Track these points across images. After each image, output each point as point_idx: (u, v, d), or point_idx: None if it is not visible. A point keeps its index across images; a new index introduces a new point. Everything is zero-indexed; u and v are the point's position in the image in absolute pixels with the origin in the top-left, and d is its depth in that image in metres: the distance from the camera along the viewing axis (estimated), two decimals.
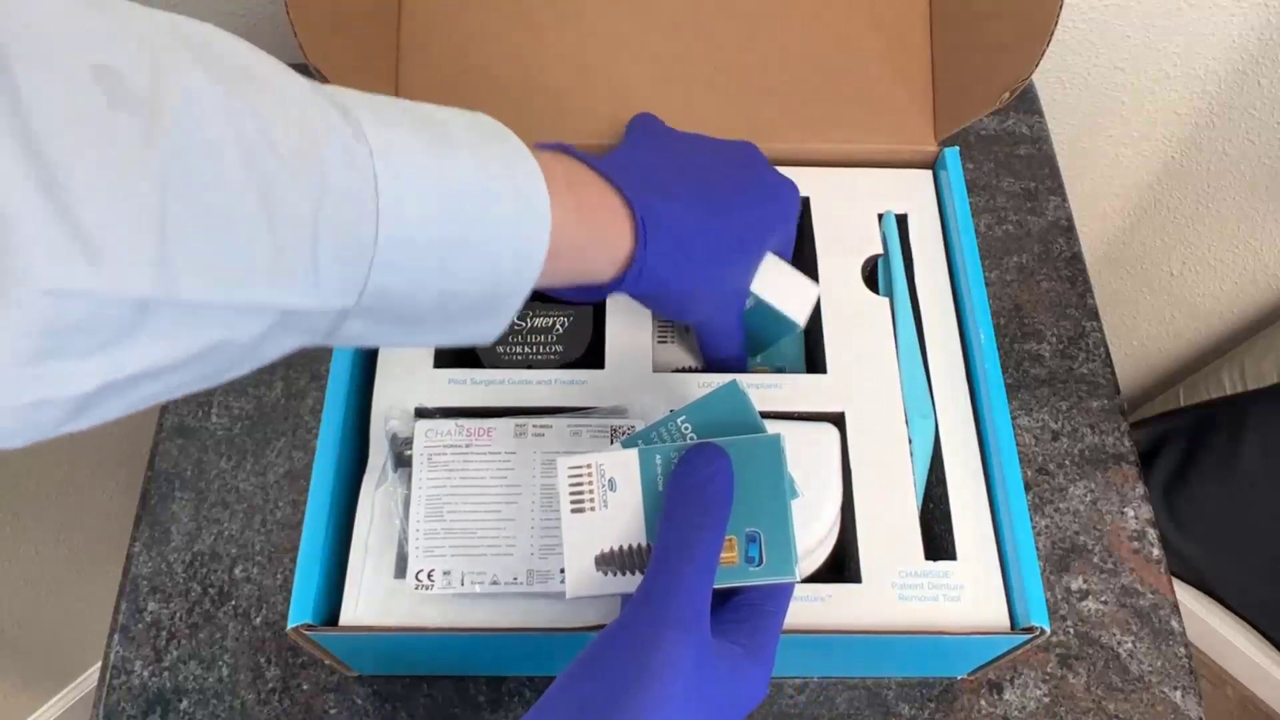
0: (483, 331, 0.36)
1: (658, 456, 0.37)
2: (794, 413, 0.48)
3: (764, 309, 0.48)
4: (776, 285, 0.47)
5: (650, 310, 0.48)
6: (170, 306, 0.24)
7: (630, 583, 0.37)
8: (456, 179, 0.31)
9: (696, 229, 0.41)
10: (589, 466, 0.38)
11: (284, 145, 0.26)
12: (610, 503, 0.37)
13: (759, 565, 0.36)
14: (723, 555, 0.35)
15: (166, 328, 0.24)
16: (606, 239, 0.39)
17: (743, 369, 0.50)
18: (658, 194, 0.40)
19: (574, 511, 0.38)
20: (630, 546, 0.37)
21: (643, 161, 0.43)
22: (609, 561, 0.37)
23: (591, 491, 0.38)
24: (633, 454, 0.37)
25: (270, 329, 0.27)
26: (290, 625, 0.41)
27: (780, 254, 0.48)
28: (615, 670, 0.31)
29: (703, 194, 0.42)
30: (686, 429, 0.38)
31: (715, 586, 0.34)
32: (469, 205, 0.31)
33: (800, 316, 0.48)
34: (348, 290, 0.28)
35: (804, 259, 0.55)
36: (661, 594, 0.33)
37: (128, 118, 0.22)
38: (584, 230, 0.37)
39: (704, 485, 0.36)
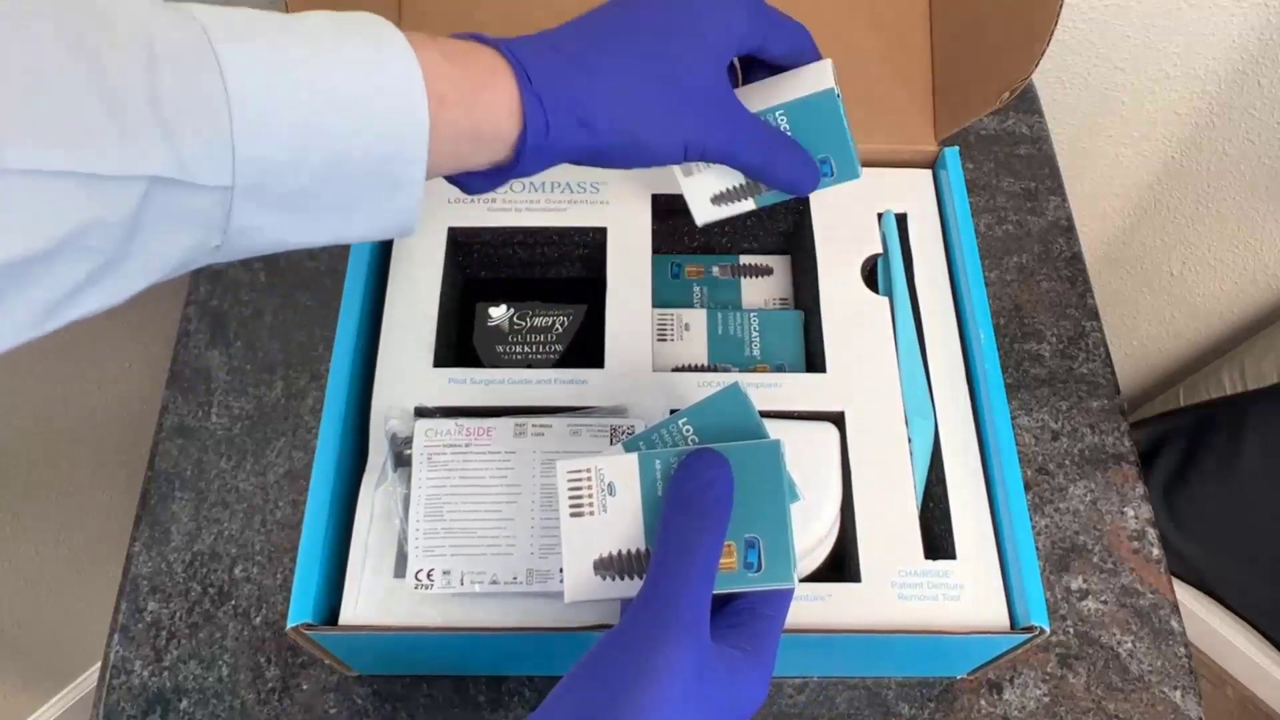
0: (391, 215, 0.33)
1: (657, 461, 0.37)
2: (794, 412, 0.48)
3: (793, 110, 0.43)
4: (783, 85, 0.43)
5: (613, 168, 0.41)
6: (4, 176, 0.23)
7: (629, 587, 0.37)
8: (304, 36, 0.30)
9: (595, 65, 0.37)
10: (588, 471, 0.38)
11: (96, 19, 0.25)
12: (609, 507, 0.37)
13: (758, 571, 0.36)
14: (721, 561, 0.35)
15: (11, 201, 0.23)
16: (488, 97, 0.35)
17: (813, 179, 0.45)
18: (542, 45, 0.36)
19: (573, 515, 0.38)
20: (629, 551, 0.37)
21: (543, 34, 0.38)
22: (608, 566, 0.37)
23: (590, 496, 0.38)
24: (632, 459, 0.37)
25: (143, 205, 0.26)
26: (290, 624, 0.41)
27: (760, 46, 0.41)
28: (615, 673, 0.31)
29: (599, 25, 0.38)
30: (688, 431, 0.38)
31: (714, 592, 0.34)
32: (323, 56, 0.30)
33: (825, 83, 0.43)
34: (218, 163, 0.27)
35: (804, 257, 0.55)
36: (661, 598, 0.33)
37: None
38: (462, 85, 0.34)
39: (704, 491, 0.35)
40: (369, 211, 0.33)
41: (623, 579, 0.37)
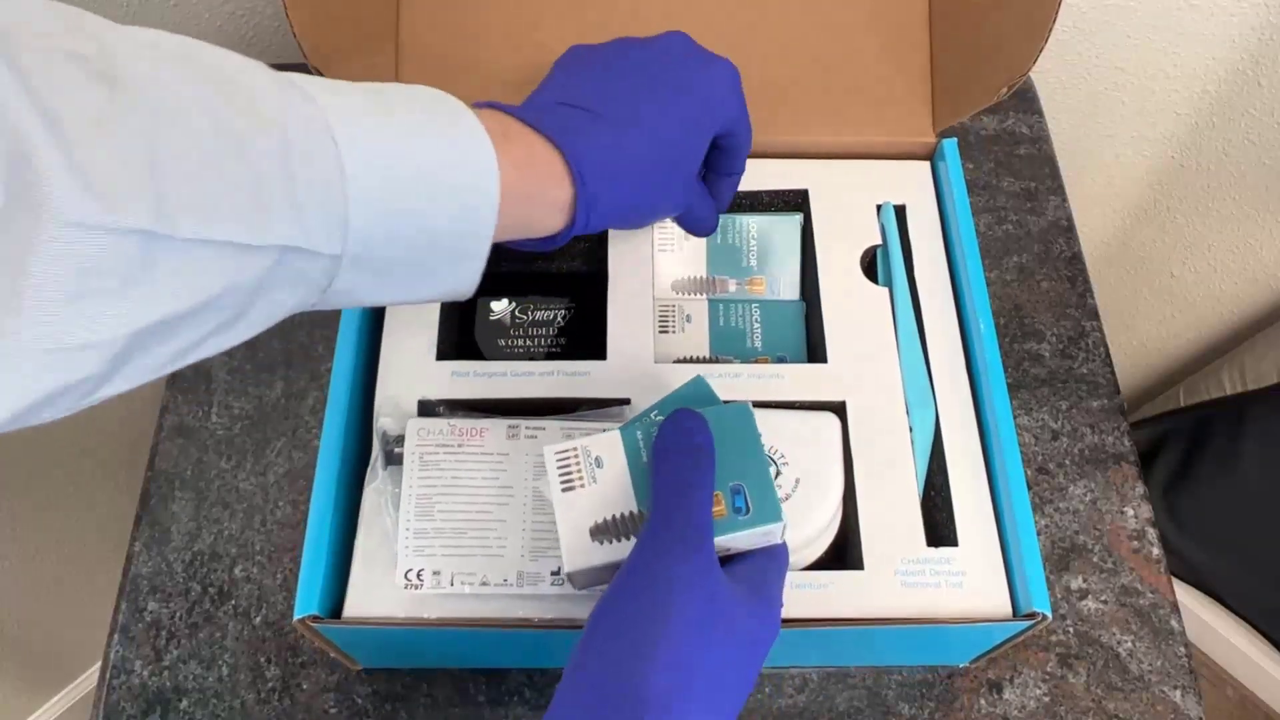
0: (461, 278, 0.38)
1: (638, 432, 0.40)
2: (795, 402, 0.48)
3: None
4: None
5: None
6: (174, 244, 0.27)
7: (626, 548, 0.39)
8: (404, 128, 0.34)
9: (632, 155, 0.42)
10: (574, 449, 0.40)
11: (242, 109, 0.29)
12: (598, 478, 0.39)
13: (747, 514, 0.37)
14: (715, 508, 0.37)
15: (177, 266, 0.27)
16: (546, 189, 0.40)
17: (714, 227, 0.51)
18: (584, 134, 0.41)
19: (564, 491, 0.39)
20: (623, 514, 0.39)
21: (567, 97, 0.43)
22: (604, 531, 0.39)
23: (579, 470, 0.40)
24: (614, 433, 0.40)
25: (269, 272, 0.30)
26: (296, 616, 0.41)
27: (731, 131, 0.47)
28: (636, 601, 0.34)
29: (630, 112, 0.42)
30: (659, 419, 0.40)
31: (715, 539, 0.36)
32: (421, 148, 0.34)
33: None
34: (332, 234, 0.31)
35: (804, 250, 0.55)
36: (666, 526, 0.35)
37: (105, 89, 0.26)
38: (523, 181, 0.38)
39: (688, 437, 0.38)
40: (440, 277, 0.37)
41: (619, 540, 0.39)
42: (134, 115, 0.26)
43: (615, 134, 0.41)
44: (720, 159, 0.48)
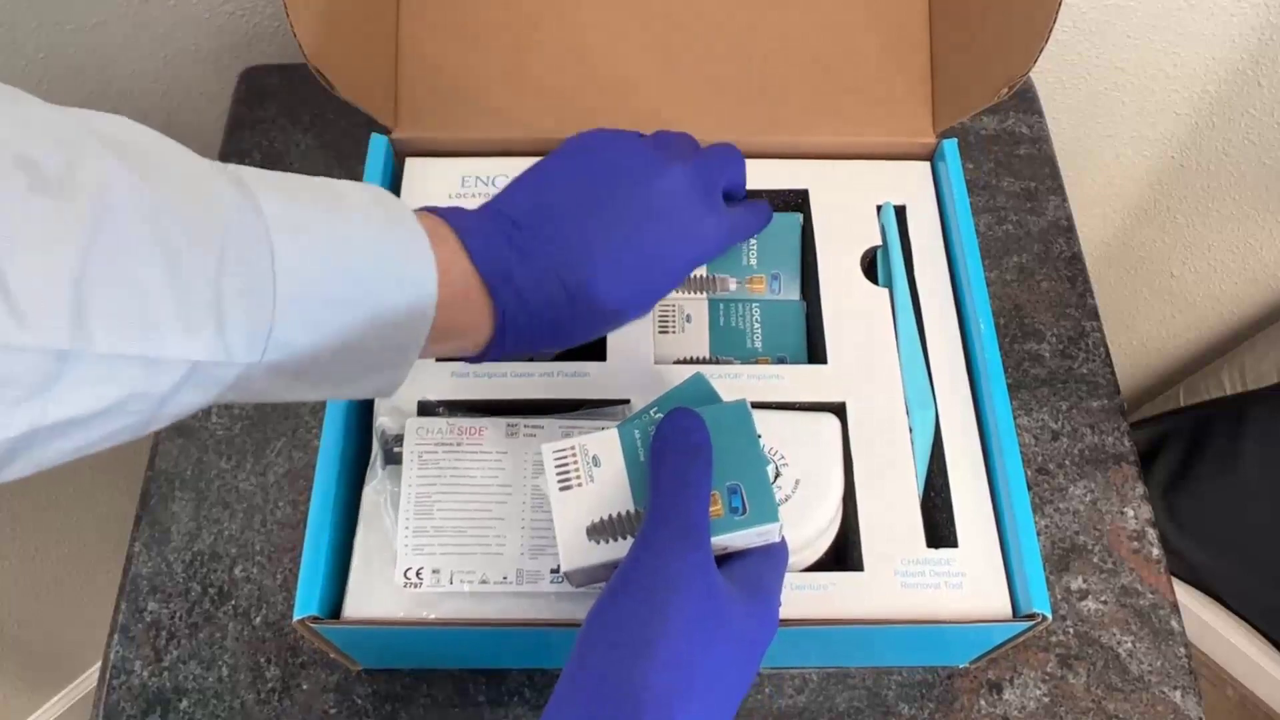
0: (382, 384, 0.37)
1: (635, 431, 0.40)
2: (795, 403, 0.48)
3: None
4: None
5: None
6: (88, 359, 0.26)
7: (623, 547, 0.39)
8: (349, 240, 0.33)
9: (557, 319, 0.40)
10: (572, 448, 0.40)
11: (186, 217, 0.29)
12: (596, 477, 0.39)
13: (744, 514, 0.37)
14: (711, 508, 0.37)
15: (86, 378, 0.27)
16: (471, 319, 0.39)
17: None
18: (515, 289, 0.39)
19: (562, 489, 0.39)
20: (620, 514, 0.39)
21: (516, 231, 0.40)
22: (600, 530, 0.39)
23: (577, 469, 0.40)
24: (612, 432, 0.40)
25: (181, 382, 0.29)
26: (296, 616, 0.41)
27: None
28: (634, 597, 0.34)
29: (574, 272, 0.40)
30: (658, 417, 0.40)
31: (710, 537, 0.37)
32: (360, 263, 0.33)
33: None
34: (254, 347, 0.31)
35: (804, 250, 0.55)
36: (665, 521, 0.35)
37: (47, 200, 0.26)
38: (453, 309, 0.38)
39: (686, 436, 0.38)
40: (363, 384, 0.37)
41: (616, 540, 0.39)
42: (72, 229, 0.26)
43: (549, 296, 0.40)
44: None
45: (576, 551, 0.39)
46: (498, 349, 0.40)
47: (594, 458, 0.40)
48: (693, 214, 0.45)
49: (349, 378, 0.35)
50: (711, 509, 0.37)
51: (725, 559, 0.38)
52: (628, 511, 0.39)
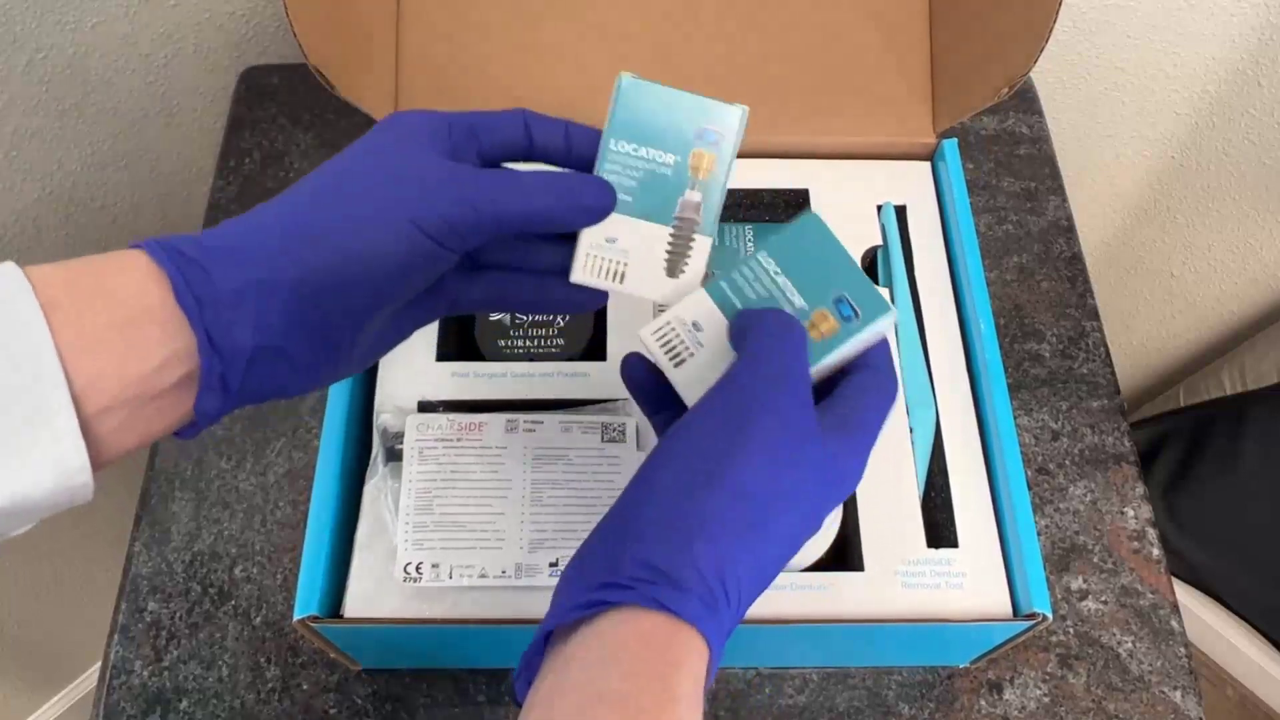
0: (43, 464, 0.29)
1: (723, 283, 0.38)
2: None
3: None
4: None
5: None
6: None
7: None
8: None
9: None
10: (668, 323, 0.38)
11: None
12: (703, 341, 0.38)
13: (857, 319, 0.36)
14: (822, 327, 0.36)
15: None
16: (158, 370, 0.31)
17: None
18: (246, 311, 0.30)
19: (676, 367, 0.37)
20: None
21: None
22: None
23: (682, 341, 0.37)
24: (701, 294, 0.38)
25: None
26: (296, 616, 0.41)
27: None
28: (716, 416, 0.32)
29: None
30: (770, 266, 0.38)
31: (826, 360, 0.36)
32: None
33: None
34: None
35: None
36: (761, 362, 0.33)
37: None
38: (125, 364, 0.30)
39: (784, 323, 0.35)
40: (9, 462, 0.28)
41: None
42: None
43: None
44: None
45: None
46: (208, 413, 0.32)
47: (694, 324, 0.38)
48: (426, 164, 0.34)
49: None
50: (826, 325, 0.36)
51: (831, 386, 0.36)
52: None
